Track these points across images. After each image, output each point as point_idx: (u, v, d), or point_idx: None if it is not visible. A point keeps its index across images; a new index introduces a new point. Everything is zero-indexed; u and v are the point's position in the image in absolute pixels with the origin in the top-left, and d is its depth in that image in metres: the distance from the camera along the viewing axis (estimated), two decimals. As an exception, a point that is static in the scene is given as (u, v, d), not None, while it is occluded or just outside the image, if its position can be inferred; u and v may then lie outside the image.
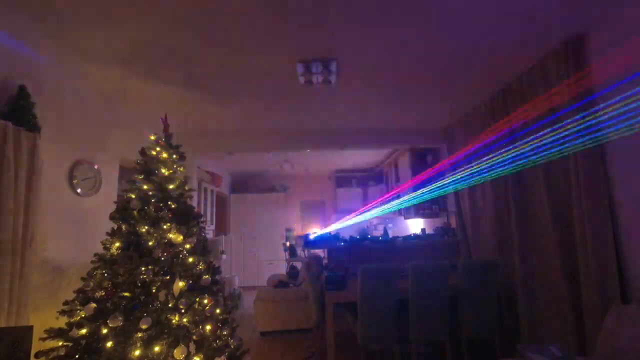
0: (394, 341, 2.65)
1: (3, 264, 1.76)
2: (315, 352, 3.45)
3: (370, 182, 7.27)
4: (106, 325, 1.63)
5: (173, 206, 2.00)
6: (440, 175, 4.42)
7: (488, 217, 3.26)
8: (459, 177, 3.82)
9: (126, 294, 1.73)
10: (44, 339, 1.63)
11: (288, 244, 6.35)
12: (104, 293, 1.73)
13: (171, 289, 1.77)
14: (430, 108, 3.61)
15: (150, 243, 1.85)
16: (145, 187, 1.97)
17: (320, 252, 4.66)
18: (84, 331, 1.66)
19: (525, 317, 2.68)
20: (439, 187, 4.34)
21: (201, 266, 2.03)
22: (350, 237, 4.41)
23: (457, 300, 2.68)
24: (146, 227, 1.88)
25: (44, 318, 1.87)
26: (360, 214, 6.45)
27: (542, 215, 2.51)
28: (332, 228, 6.64)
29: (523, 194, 2.76)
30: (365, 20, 1.97)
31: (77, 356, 1.63)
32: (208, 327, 1.87)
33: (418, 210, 4.78)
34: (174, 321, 1.74)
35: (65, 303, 1.76)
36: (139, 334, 1.64)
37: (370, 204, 6.47)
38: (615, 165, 2.04)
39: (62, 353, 1.64)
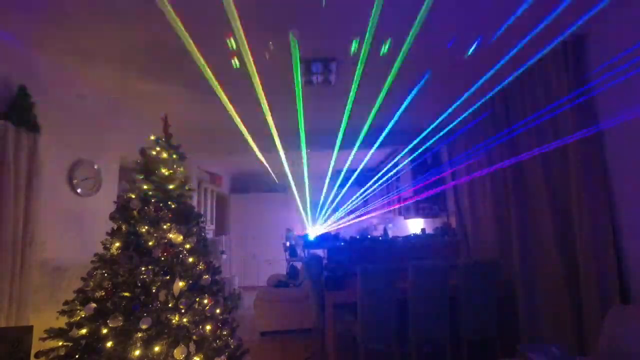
0: (394, 341, 2.65)
1: (3, 264, 1.76)
2: (315, 352, 3.45)
3: (370, 182, 7.26)
4: (106, 325, 1.63)
5: (173, 206, 2.00)
6: (441, 175, 4.42)
7: (488, 217, 3.26)
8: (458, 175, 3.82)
9: (126, 294, 1.73)
10: (44, 339, 1.63)
11: (288, 244, 6.35)
12: (104, 293, 1.73)
13: (171, 289, 1.77)
14: (431, 108, 3.61)
15: (150, 243, 1.85)
16: (145, 187, 1.97)
17: (320, 252, 4.66)
18: (84, 331, 1.66)
19: (525, 317, 2.67)
20: (438, 186, 4.34)
21: (201, 266, 2.03)
22: (350, 237, 4.41)
23: (457, 300, 2.68)
24: (146, 227, 1.88)
25: (44, 318, 1.87)
26: (361, 214, 6.46)
27: (542, 215, 2.51)
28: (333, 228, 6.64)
29: (523, 193, 2.76)
30: (365, 20, 1.97)
31: (77, 356, 1.63)
32: (208, 327, 1.87)
33: (418, 210, 4.78)
34: (174, 321, 1.74)
35: (65, 303, 1.76)
36: (139, 334, 1.64)
37: (370, 204, 6.47)
38: (615, 165, 2.04)
39: (62, 353, 1.64)
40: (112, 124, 3.03)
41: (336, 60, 2.40)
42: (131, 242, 1.84)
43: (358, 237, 4.38)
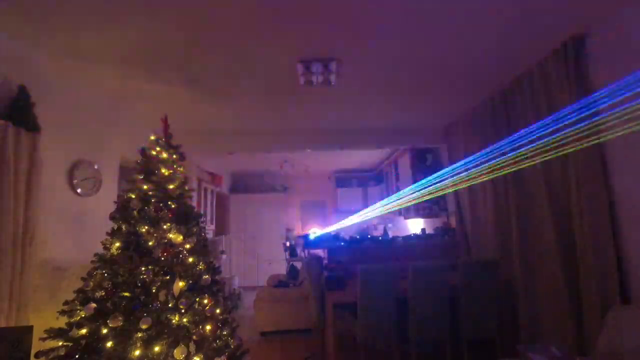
0: (394, 341, 2.65)
1: (3, 264, 1.76)
2: (315, 352, 3.45)
3: (370, 182, 7.27)
4: (106, 325, 1.63)
5: (173, 206, 2.00)
6: (441, 175, 4.41)
7: (488, 217, 3.26)
8: (458, 178, 3.82)
9: (126, 294, 1.72)
10: (44, 339, 1.62)
11: (288, 244, 6.35)
12: (104, 293, 1.73)
13: (171, 289, 1.77)
14: (430, 108, 3.61)
15: (150, 243, 1.84)
16: (145, 187, 1.97)
17: (320, 252, 4.66)
18: (84, 331, 1.66)
19: (525, 317, 2.67)
20: (439, 187, 4.34)
21: (201, 266, 2.03)
22: (350, 237, 4.41)
23: (457, 300, 2.68)
24: (146, 227, 1.87)
25: (44, 318, 1.87)
26: (361, 214, 6.46)
27: (542, 215, 2.51)
28: (332, 228, 6.64)
29: (523, 193, 2.76)
30: (365, 20, 1.97)
31: (77, 356, 1.62)
32: (208, 327, 1.87)
33: (418, 210, 4.78)
34: (174, 321, 1.74)
35: (65, 303, 1.76)
36: (139, 334, 1.64)
37: (370, 204, 6.46)
38: (614, 165, 2.04)
39: (62, 353, 1.63)
40: (112, 124, 3.03)
41: (336, 60, 2.40)
42: (131, 242, 1.83)
43: (358, 237, 4.37)
